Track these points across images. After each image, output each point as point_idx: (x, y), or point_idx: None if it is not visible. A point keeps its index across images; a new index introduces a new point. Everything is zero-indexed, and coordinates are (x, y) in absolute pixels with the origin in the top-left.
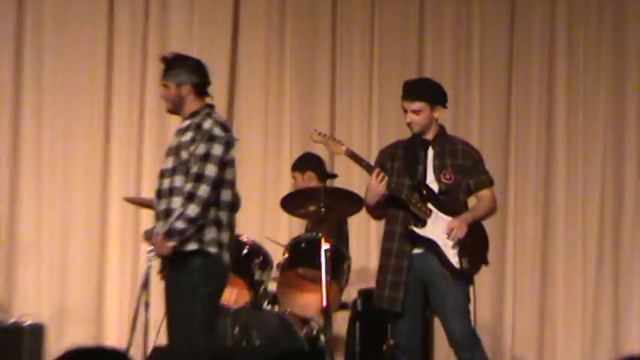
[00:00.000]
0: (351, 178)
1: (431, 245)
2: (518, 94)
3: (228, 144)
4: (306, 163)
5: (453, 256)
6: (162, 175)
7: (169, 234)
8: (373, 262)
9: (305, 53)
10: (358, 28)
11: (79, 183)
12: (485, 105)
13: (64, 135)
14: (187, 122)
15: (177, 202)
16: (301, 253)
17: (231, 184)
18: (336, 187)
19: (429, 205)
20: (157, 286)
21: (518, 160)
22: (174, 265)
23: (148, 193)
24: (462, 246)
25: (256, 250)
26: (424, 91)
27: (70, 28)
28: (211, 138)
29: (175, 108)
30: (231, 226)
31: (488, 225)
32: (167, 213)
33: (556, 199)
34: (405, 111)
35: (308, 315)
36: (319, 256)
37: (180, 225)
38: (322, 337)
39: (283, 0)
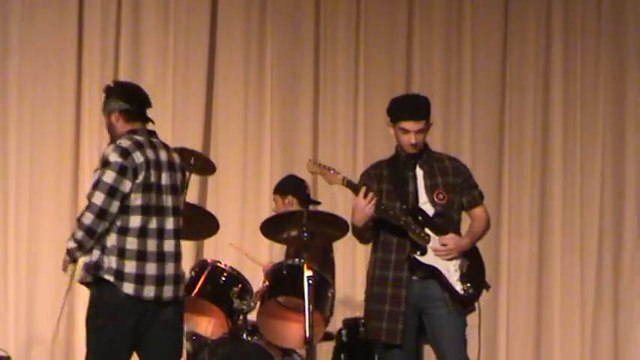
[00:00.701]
0: (335, 204)
1: (432, 272)
2: (512, 107)
3: (124, 169)
4: (288, 186)
5: (456, 283)
6: None
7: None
8: (359, 291)
9: (287, 66)
10: (343, 41)
11: (47, 210)
12: (477, 119)
13: (32, 142)
14: None
15: None
16: (282, 280)
17: (147, 210)
18: (320, 210)
19: (427, 231)
20: None
21: (512, 175)
22: None
23: None
24: (463, 272)
25: (235, 277)
26: (427, 109)
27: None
28: (105, 164)
29: (111, 137)
30: (150, 253)
31: (481, 245)
32: None
33: (552, 214)
34: (406, 132)
35: (290, 346)
36: (301, 283)
37: (70, 244)
38: None
39: (264, 14)
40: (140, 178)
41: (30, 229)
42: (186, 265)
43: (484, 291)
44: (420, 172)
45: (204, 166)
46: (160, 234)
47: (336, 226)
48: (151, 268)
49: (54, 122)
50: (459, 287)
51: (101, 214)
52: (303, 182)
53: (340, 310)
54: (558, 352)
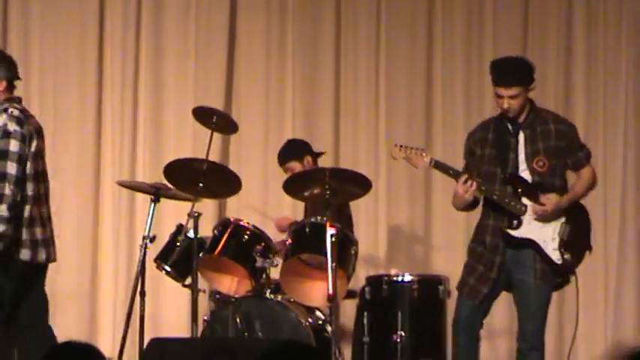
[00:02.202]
0: (357, 160)
1: (528, 244)
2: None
3: (24, 137)
4: (301, 149)
5: (552, 252)
6: None
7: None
8: (382, 249)
9: (308, 37)
10: (364, 12)
11: (71, 168)
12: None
13: (55, 118)
14: None
15: None
16: (305, 238)
17: (36, 177)
18: (343, 168)
19: (524, 200)
20: (153, 275)
21: None
22: None
23: (143, 176)
24: (562, 240)
25: (257, 236)
26: (520, 75)
27: (61, 9)
28: (6, 134)
29: None
30: (38, 219)
31: None
32: None
33: None
34: (500, 96)
35: (313, 304)
36: (324, 241)
37: (2, 227)
38: (328, 327)
39: None
40: (33, 146)
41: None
42: (209, 223)
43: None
44: (522, 137)
45: (226, 124)
46: (46, 199)
47: (358, 183)
48: (40, 233)
49: (75, 100)
50: (555, 256)
51: (18, 183)
52: (305, 140)
53: (363, 267)
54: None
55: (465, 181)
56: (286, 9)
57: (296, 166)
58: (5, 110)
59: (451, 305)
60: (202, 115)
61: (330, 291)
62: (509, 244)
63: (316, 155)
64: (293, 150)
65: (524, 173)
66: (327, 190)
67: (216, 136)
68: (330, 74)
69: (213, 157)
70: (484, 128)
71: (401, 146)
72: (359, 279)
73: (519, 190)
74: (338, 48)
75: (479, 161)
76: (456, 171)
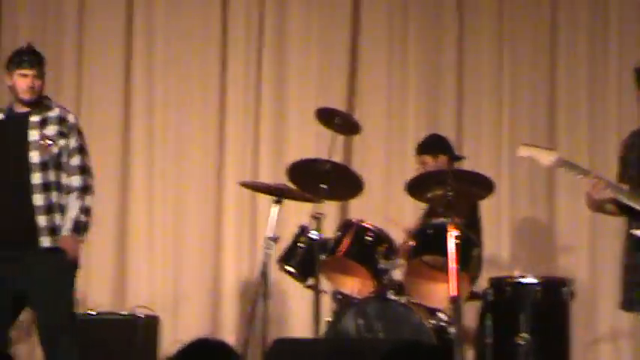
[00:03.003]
0: (479, 161)
1: None
2: None
3: None
4: (439, 146)
5: None
6: (29, 168)
7: (79, 230)
8: (505, 250)
9: (430, 38)
10: (486, 12)
11: (194, 168)
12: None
13: (178, 118)
14: (43, 115)
15: (59, 196)
16: (428, 239)
17: None
18: (465, 169)
19: None
20: (276, 276)
21: None
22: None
23: (265, 177)
24: None
25: (380, 237)
26: None
27: (184, 9)
28: (80, 131)
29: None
30: None
31: None
32: (49, 208)
33: None
34: None
35: (435, 305)
36: (447, 243)
37: (84, 218)
38: (451, 329)
39: None
40: None
41: (177, 183)
42: (332, 224)
43: None
44: None
45: (349, 125)
46: None
47: (481, 185)
48: None
49: (198, 91)
50: None
51: None
52: (449, 140)
53: (486, 269)
54: None
55: (595, 184)
56: (408, 8)
57: (428, 161)
58: (62, 107)
59: (575, 307)
60: (325, 116)
61: (453, 293)
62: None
63: (455, 158)
64: (430, 145)
65: None
66: (449, 191)
67: (339, 137)
68: (453, 75)
69: (336, 158)
70: (636, 134)
71: (528, 144)
72: (482, 281)
73: None
74: (460, 47)
75: (628, 165)
76: (584, 169)
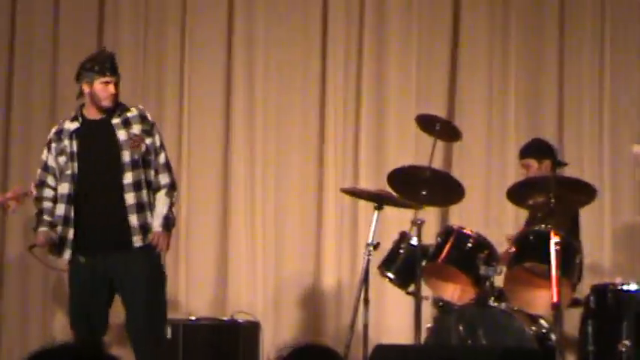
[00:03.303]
0: (581, 166)
1: None
2: None
3: None
4: (544, 150)
5: None
6: (121, 169)
7: (169, 226)
8: (607, 257)
9: (530, 38)
10: (589, 12)
11: (294, 174)
12: None
13: (278, 123)
14: (123, 116)
15: (148, 194)
16: (529, 246)
17: None
18: (567, 176)
19: None
20: (377, 282)
21: None
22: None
23: (366, 183)
24: None
25: (481, 243)
26: None
27: (284, 21)
28: (159, 129)
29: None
30: None
31: None
32: (141, 207)
33: None
34: None
35: (537, 312)
36: (548, 250)
37: (173, 215)
38: (553, 336)
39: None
40: None
41: (277, 189)
42: (432, 231)
43: None
44: None
45: (450, 132)
46: None
47: (583, 191)
48: None
49: (298, 98)
50: None
51: None
52: (553, 145)
53: (588, 276)
54: None
55: None
56: (509, 17)
57: (532, 165)
58: (138, 106)
59: None
60: (425, 122)
61: (554, 299)
62: None
63: (558, 164)
64: (536, 149)
65: None
66: (551, 198)
67: (439, 142)
68: (554, 81)
69: (436, 164)
70: None
71: None
72: (584, 287)
73: None
74: (561, 54)
75: None
76: None
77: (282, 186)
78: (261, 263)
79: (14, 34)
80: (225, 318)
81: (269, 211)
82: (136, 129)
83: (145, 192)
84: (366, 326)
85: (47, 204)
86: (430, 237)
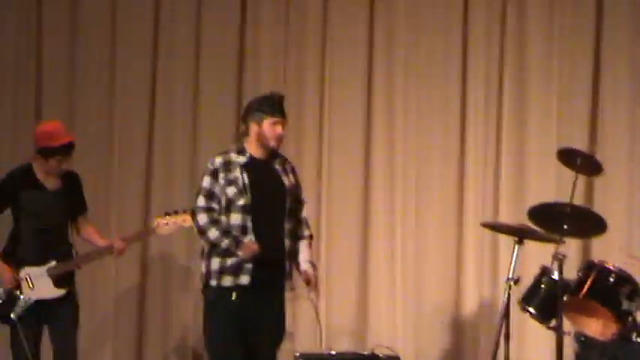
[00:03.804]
0: None
1: None
2: None
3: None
4: None
5: None
6: (283, 214)
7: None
8: None
9: None
10: None
11: (434, 208)
12: None
13: (418, 157)
14: (281, 164)
15: (295, 244)
16: None
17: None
18: None
19: None
20: (518, 317)
21: None
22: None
23: (506, 217)
24: None
25: (623, 278)
26: None
27: (424, 38)
28: None
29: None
30: None
31: None
32: (293, 255)
33: None
34: None
35: None
36: None
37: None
38: None
39: None
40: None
41: (417, 230)
42: (574, 265)
43: None
44: None
45: (591, 166)
46: None
47: None
48: None
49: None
50: None
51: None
52: None
53: None
54: None
55: None
56: None
57: None
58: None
59: None
60: (566, 156)
61: None
62: None
63: None
64: None
65: None
66: None
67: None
68: None
69: (578, 198)
70: None
71: None
72: None
73: None
74: None
75: None
76: None
77: (422, 220)
78: (401, 297)
79: (157, 36)
80: (365, 352)
81: (409, 245)
82: (292, 179)
83: (294, 242)
84: None
85: (222, 224)
86: (571, 271)
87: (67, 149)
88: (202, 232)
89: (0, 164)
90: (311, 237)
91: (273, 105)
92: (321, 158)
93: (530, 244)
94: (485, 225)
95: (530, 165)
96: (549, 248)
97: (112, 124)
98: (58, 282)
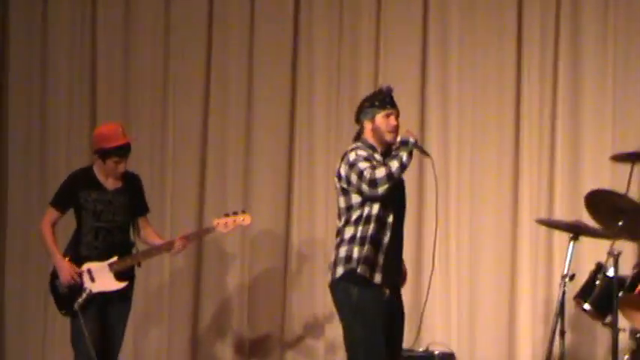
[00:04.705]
0: None
1: None
2: None
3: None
4: None
5: None
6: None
7: None
8: None
9: None
10: None
11: (489, 205)
12: None
13: (472, 154)
14: None
15: None
16: None
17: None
18: None
19: None
20: (573, 314)
21: None
22: None
23: (561, 214)
24: None
25: None
26: None
27: (479, 37)
28: None
29: None
30: None
31: None
32: None
33: None
34: None
35: None
36: None
37: None
38: None
39: None
40: None
41: (471, 227)
42: (630, 262)
43: None
44: None
45: None
46: None
47: None
48: None
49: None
50: None
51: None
52: None
53: None
54: None
55: None
56: None
57: None
58: None
59: None
60: (621, 160)
61: None
62: None
63: None
64: None
65: None
66: None
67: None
68: None
69: (633, 192)
70: None
71: None
72: None
73: None
74: None
75: None
76: None
77: (476, 217)
78: (456, 294)
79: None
80: (420, 349)
81: (464, 242)
82: None
83: None
84: (562, 357)
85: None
86: (627, 268)
87: (123, 151)
88: (390, 175)
89: (55, 165)
90: None
91: (383, 98)
92: None
93: (586, 241)
94: (541, 222)
95: (585, 162)
96: (605, 245)
97: (165, 124)
98: (118, 277)
